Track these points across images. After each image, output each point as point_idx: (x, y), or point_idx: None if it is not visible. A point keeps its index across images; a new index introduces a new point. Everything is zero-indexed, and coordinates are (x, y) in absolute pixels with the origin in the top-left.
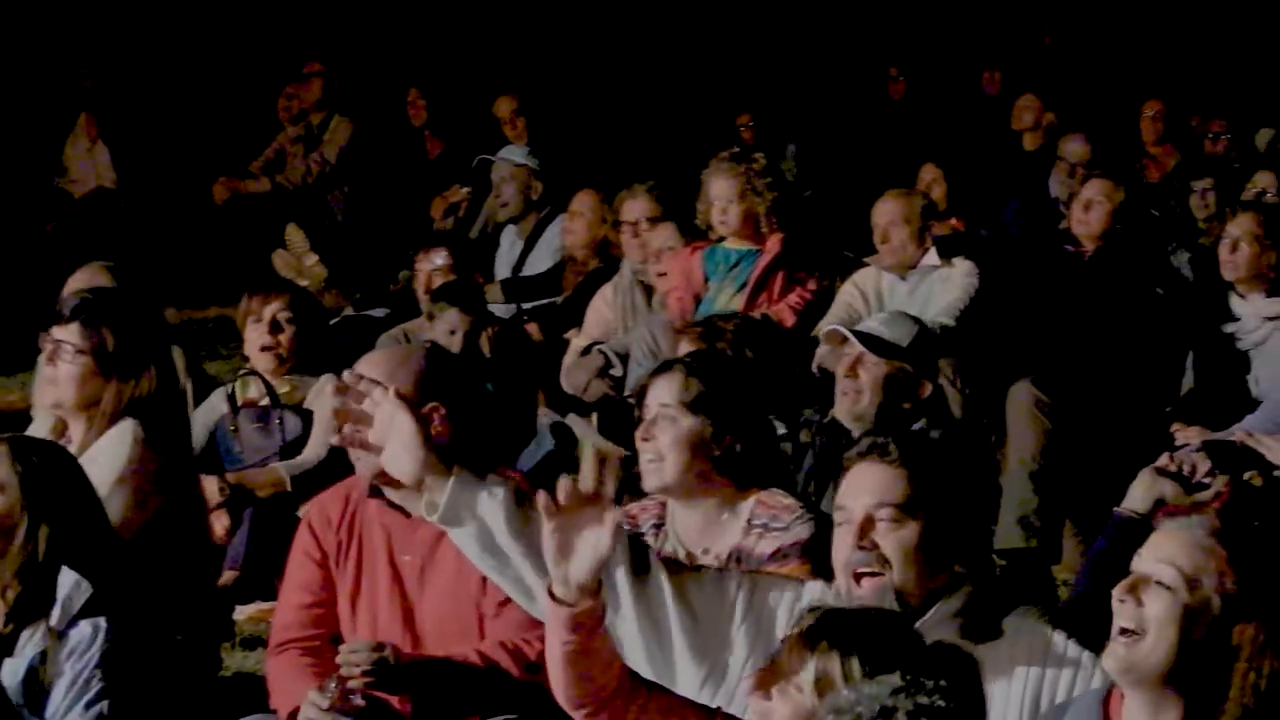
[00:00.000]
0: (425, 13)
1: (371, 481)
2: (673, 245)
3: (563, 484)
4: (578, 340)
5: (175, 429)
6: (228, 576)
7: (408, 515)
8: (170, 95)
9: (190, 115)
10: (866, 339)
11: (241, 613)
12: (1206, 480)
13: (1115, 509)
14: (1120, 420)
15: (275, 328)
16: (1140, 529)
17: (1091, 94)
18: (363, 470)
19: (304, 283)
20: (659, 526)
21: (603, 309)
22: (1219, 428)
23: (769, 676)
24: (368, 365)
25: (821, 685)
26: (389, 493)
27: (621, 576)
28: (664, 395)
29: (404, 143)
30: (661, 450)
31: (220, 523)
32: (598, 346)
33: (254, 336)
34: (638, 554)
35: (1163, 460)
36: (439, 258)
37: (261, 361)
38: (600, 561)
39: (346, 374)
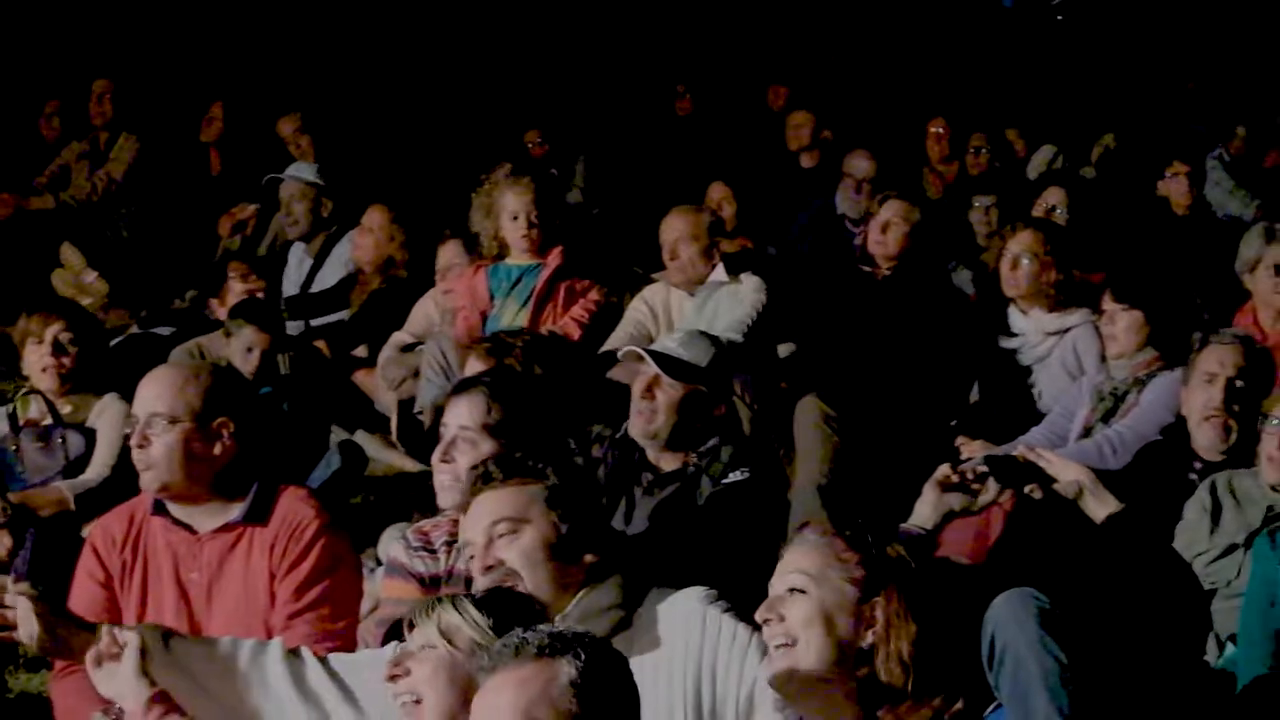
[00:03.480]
0: (215, 29)
1: (155, 497)
2: (457, 263)
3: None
4: (399, 335)
5: None
6: None
7: (193, 532)
8: None
9: None
10: (664, 361)
11: None
12: (978, 487)
13: (901, 526)
14: (907, 434)
15: (58, 349)
16: (927, 544)
17: (874, 109)
18: (147, 485)
19: (86, 300)
20: (451, 544)
21: (429, 308)
22: (1003, 441)
23: (398, 660)
24: (156, 381)
25: (448, 632)
26: (173, 509)
27: (276, 668)
28: (464, 418)
29: (188, 160)
30: (459, 473)
31: (2, 543)
32: (420, 346)
33: (35, 357)
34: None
35: (943, 472)
36: (253, 277)
37: (43, 381)
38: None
39: None
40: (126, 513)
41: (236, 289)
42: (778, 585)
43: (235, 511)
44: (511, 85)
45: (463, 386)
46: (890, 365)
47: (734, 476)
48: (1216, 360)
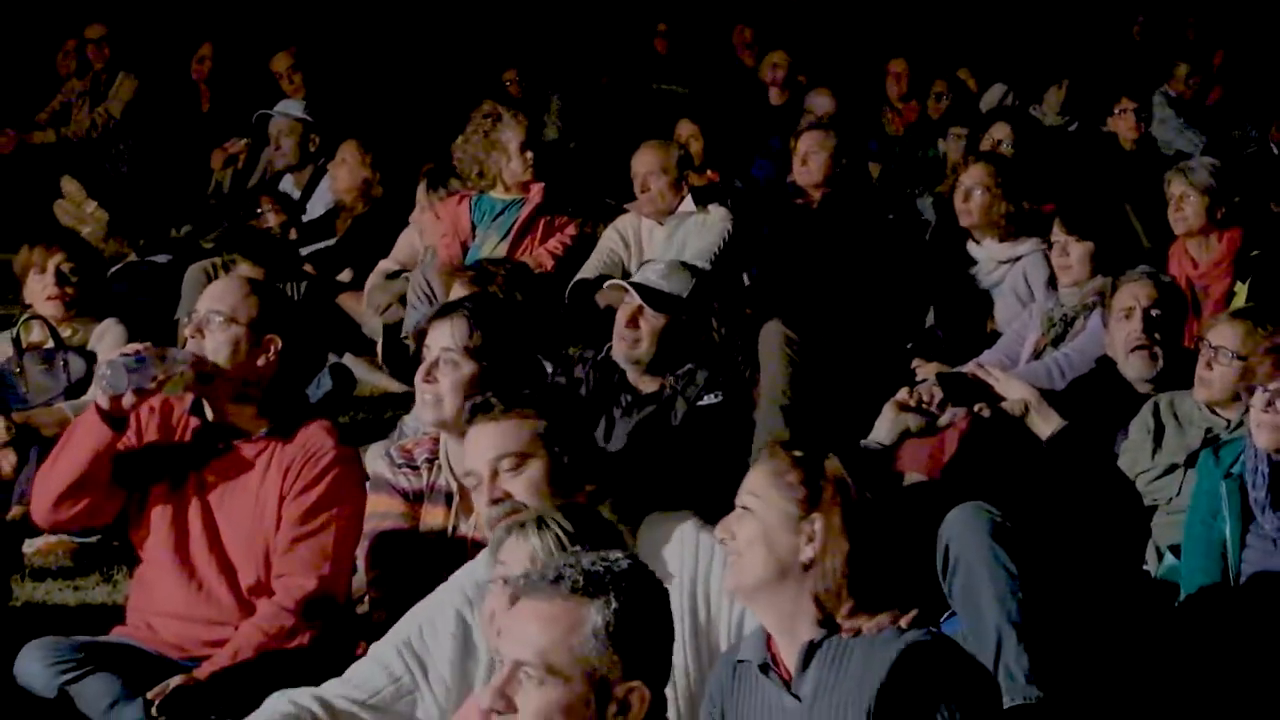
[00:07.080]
0: None
1: (195, 393)
2: (423, 203)
3: None
4: (385, 263)
5: None
6: (15, 511)
7: (222, 437)
8: None
9: None
10: (647, 293)
11: (30, 546)
12: (938, 411)
13: (861, 441)
14: (865, 356)
15: (61, 279)
16: (885, 458)
17: (838, 48)
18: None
19: (86, 229)
20: (432, 461)
21: (414, 238)
22: (957, 363)
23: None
24: (224, 284)
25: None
26: (209, 412)
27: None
28: (447, 340)
29: (183, 96)
30: (442, 392)
31: (7, 460)
32: (405, 274)
33: (39, 287)
34: None
35: (902, 395)
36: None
37: (47, 309)
38: None
39: None
40: (168, 400)
41: (271, 220)
42: (736, 503)
43: (262, 429)
44: (490, 23)
45: (446, 310)
46: (847, 290)
47: (709, 399)
48: (1130, 295)
